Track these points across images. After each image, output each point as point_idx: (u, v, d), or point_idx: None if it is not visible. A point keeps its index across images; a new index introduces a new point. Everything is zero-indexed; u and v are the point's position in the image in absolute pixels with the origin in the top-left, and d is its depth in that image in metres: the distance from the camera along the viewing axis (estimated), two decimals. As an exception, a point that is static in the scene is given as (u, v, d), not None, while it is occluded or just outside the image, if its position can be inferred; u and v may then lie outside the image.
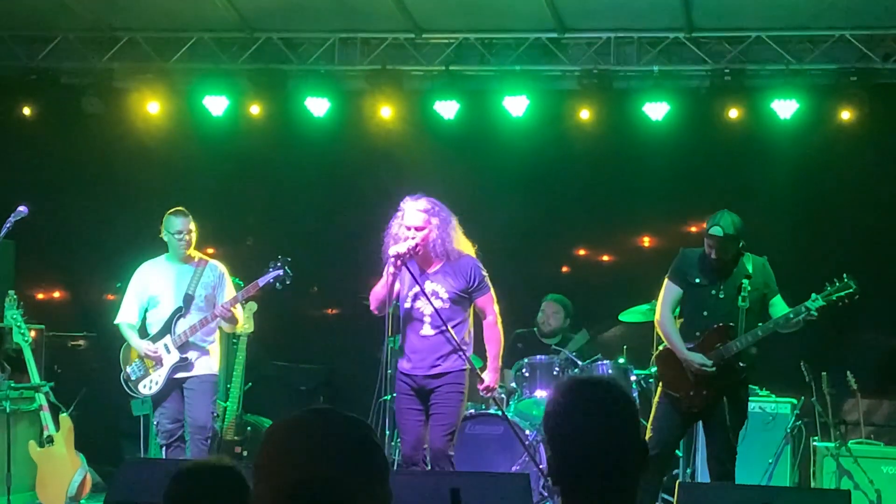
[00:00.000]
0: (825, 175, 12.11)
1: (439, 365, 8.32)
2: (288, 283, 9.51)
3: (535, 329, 11.58)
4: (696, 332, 8.56)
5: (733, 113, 11.73)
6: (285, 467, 2.18)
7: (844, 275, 8.38)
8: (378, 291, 8.37)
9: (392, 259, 8.12)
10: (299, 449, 2.20)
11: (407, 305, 8.40)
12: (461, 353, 8.28)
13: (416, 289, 8.28)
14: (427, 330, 8.33)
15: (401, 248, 8.14)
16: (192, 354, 9.48)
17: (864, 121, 11.47)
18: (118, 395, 9.94)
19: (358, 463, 2.20)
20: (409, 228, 8.24)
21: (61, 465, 10.32)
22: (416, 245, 8.18)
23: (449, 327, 8.23)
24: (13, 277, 11.33)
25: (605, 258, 13.88)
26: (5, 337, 10.77)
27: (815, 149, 11.97)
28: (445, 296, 8.29)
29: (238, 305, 9.58)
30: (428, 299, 8.23)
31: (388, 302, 8.32)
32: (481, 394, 8.73)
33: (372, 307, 8.46)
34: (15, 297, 10.50)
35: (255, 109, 12.40)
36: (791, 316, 8.33)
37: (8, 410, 10.29)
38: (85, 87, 12.59)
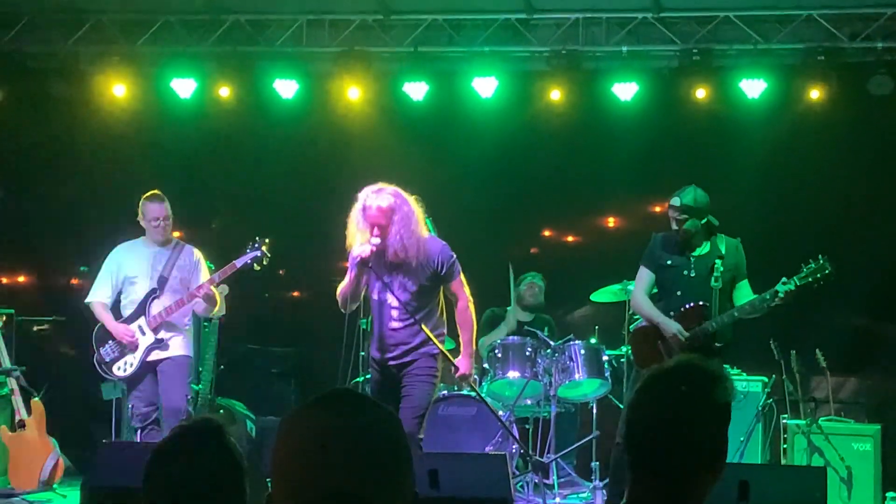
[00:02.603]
0: (794, 154, 12.14)
1: (409, 354, 8.22)
2: (266, 263, 9.48)
3: (509, 308, 11.61)
4: (670, 312, 8.61)
5: (701, 93, 11.76)
6: (308, 472, 2.09)
7: (820, 256, 8.42)
8: (344, 290, 8.16)
9: (356, 261, 7.94)
10: (323, 452, 2.09)
11: (375, 297, 8.25)
12: (431, 342, 8.17)
13: (385, 280, 8.10)
14: (395, 323, 8.20)
15: (364, 250, 7.92)
16: (166, 335, 9.45)
17: (832, 100, 11.52)
18: (88, 379, 9.91)
19: (386, 468, 2.12)
20: (371, 226, 7.99)
21: (33, 449, 10.31)
22: (376, 246, 7.93)
23: (417, 319, 8.10)
24: (-20, 263, 11.27)
25: (573, 239, 13.90)
26: (-25, 323, 10.73)
27: (784, 128, 12.01)
28: (413, 287, 8.14)
29: (214, 287, 9.54)
30: (394, 294, 8.08)
31: (353, 300, 8.14)
32: (456, 380, 8.69)
33: (339, 304, 8.24)
34: (-17, 281, 10.47)
35: (224, 92, 12.33)
36: (767, 297, 8.37)
37: (-21, 395, 10.28)
38: (51, 71, 12.50)
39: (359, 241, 8.01)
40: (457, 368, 8.28)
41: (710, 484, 2.96)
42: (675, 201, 8.52)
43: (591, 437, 10.41)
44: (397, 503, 2.13)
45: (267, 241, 9.46)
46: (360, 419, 2.15)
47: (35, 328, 12.61)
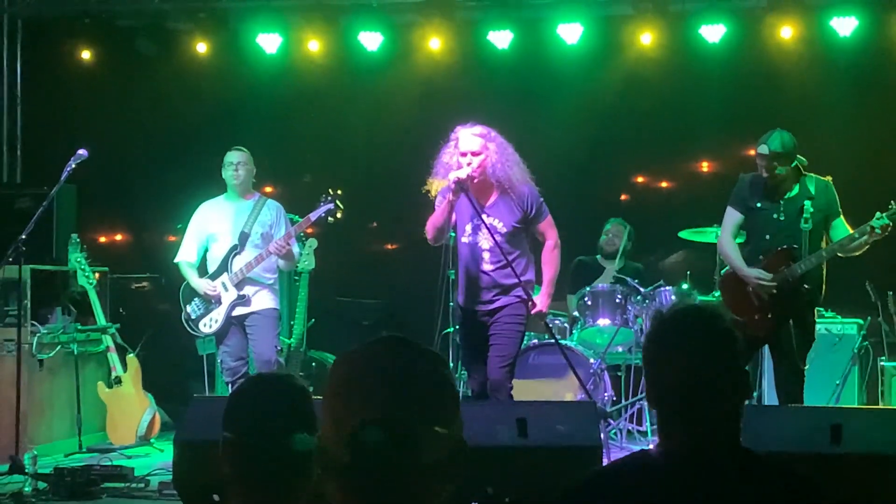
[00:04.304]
0: (887, 92, 11.93)
1: (499, 299, 8.18)
2: (339, 216, 9.48)
3: (598, 255, 11.56)
4: (759, 257, 8.49)
5: (789, 32, 11.60)
6: (350, 405, 2.14)
7: (910, 191, 8.28)
8: (436, 219, 8.08)
9: (452, 184, 7.85)
10: (364, 385, 2.15)
11: (465, 240, 8.20)
12: (521, 286, 8.14)
13: (475, 221, 8.09)
14: (487, 265, 8.15)
15: (461, 172, 7.85)
16: (250, 290, 9.50)
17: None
18: (183, 335, 10.02)
19: (426, 401, 2.15)
20: (464, 154, 7.96)
21: (130, 405, 10.47)
22: (474, 170, 7.93)
23: (509, 260, 8.04)
24: (75, 221, 11.40)
25: (664, 184, 13.77)
26: (70, 280, 10.88)
27: (877, 65, 11.80)
28: (504, 229, 8.08)
29: (294, 242, 9.58)
30: (489, 231, 8.00)
31: (444, 231, 8.11)
32: (534, 319, 8.59)
33: (429, 237, 8.19)
34: (78, 240, 10.60)
35: (310, 46, 12.38)
36: (856, 236, 8.23)
37: (76, 353, 10.44)
38: (139, 29, 12.61)
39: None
40: (533, 304, 8.18)
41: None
42: (763, 149, 8.37)
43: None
44: (440, 438, 2.15)
45: (339, 192, 9.45)
46: (407, 354, 2.21)
47: (133, 286, 12.77)
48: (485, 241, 8.13)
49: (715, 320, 3.00)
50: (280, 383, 3.37)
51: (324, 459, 2.18)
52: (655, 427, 10.36)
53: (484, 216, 8.05)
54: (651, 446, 3.11)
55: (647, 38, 11.86)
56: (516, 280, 8.09)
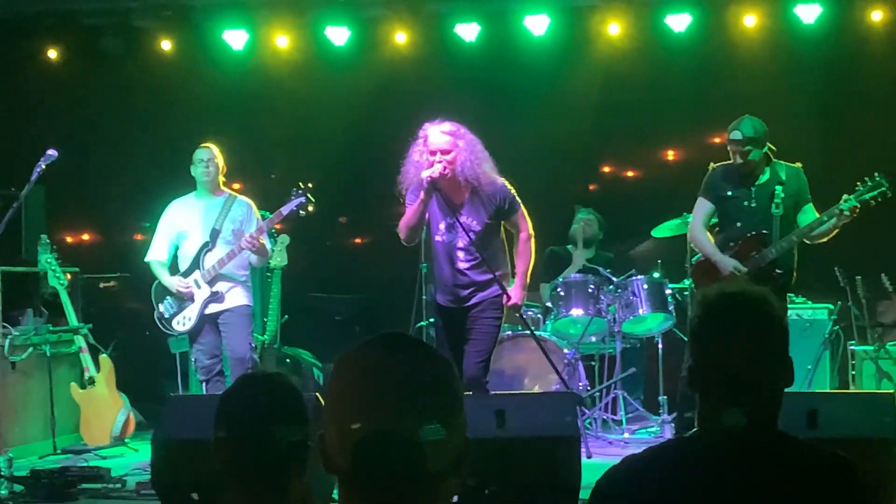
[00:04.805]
0: (850, 78, 12.01)
1: (476, 295, 8.22)
2: (311, 209, 9.50)
3: (569, 245, 11.59)
4: (730, 243, 8.55)
5: (753, 20, 11.67)
6: (355, 411, 2.10)
7: (876, 174, 8.35)
8: (409, 219, 8.10)
9: (425, 183, 7.86)
10: (369, 391, 2.11)
11: (439, 238, 8.22)
12: (497, 281, 8.16)
13: (448, 220, 8.11)
14: (462, 263, 8.18)
15: (433, 171, 7.86)
16: (222, 287, 9.49)
17: (894, 21, 11.37)
18: (156, 334, 10.00)
19: (432, 408, 2.11)
20: (433, 153, 7.95)
21: (104, 405, 10.43)
22: (445, 168, 7.92)
23: (484, 257, 8.07)
24: (45, 222, 11.36)
25: (632, 173, 13.81)
26: (41, 282, 10.84)
27: (841, 52, 11.87)
28: (478, 227, 8.11)
29: (265, 237, 9.58)
30: (464, 230, 8.02)
31: (417, 230, 8.14)
32: (508, 311, 8.63)
33: (402, 237, 8.21)
34: (48, 241, 10.56)
35: (277, 42, 12.39)
36: (825, 219, 8.30)
37: (48, 354, 10.39)
38: (105, 28, 12.56)
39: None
40: (508, 297, 8.20)
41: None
42: (736, 134, 8.42)
43: (628, 372, 10.39)
44: (446, 445, 2.12)
45: (310, 185, 9.46)
46: (412, 359, 2.17)
47: (101, 285, 12.73)
48: (459, 240, 8.15)
49: (767, 306, 3.01)
50: (272, 382, 3.38)
51: (327, 464, 2.17)
52: (631, 416, 10.47)
53: (457, 215, 8.07)
54: (667, 435, 3.10)
55: (614, 28, 11.91)
56: (492, 276, 8.12)
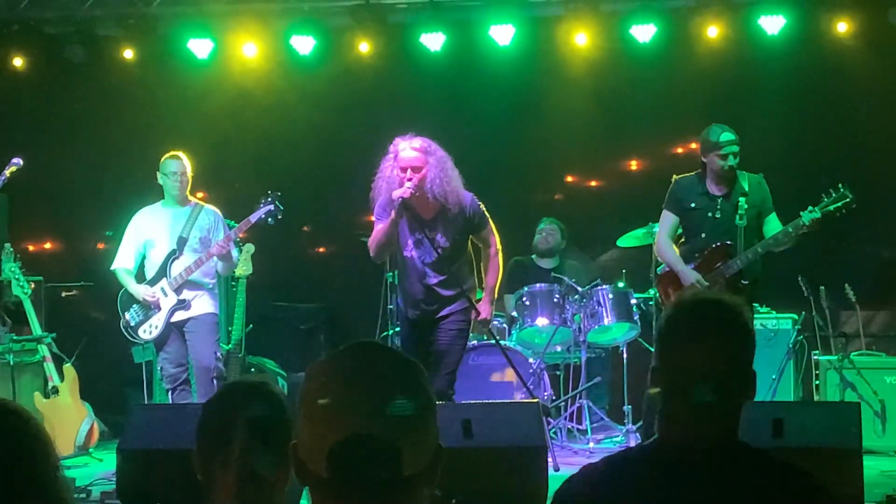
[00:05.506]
0: (815, 89, 12.07)
1: (443, 309, 8.26)
2: (280, 217, 9.52)
3: (533, 256, 11.60)
4: (695, 254, 8.59)
5: (716, 31, 11.71)
6: (330, 420, 2.12)
7: (840, 185, 8.42)
8: (379, 238, 8.11)
9: (396, 203, 7.87)
10: (344, 400, 2.13)
11: (407, 254, 8.23)
12: (465, 296, 8.18)
13: (417, 236, 8.13)
14: (430, 279, 8.21)
15: (405, 191, 7.85)
16: (189, 294, 9.47)
17: (859, 32, 11.44)
18: (119, 343, 9.96)
19: (403, 416, 2.13)
20: (404, 170, 7.96)
21: (68, 415, 10.36)
22: (415, 187, 7.90)
23: (452, 272, 8.12)
24: (7, 230, 11.28)
25: (596, 183, 13.82)
26: (4, 290, 10.76)
27: (805, 63, 11.94)
28: (446, 243, 8.14)
29: (233, 245, 9.56)
30: (432, 247, 8.05)
31: (387, 248, 8.17)
32: (478, 326, 8.70)
33: (372, 254, 8.25)
34: (11, 250, 10.49)
35: (241, 51, 12.35)
36: (790, 230, 8.36)
37: (11, 363, 10.31)
38: (68, 36, 12.49)
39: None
40: (478, 313, 8.26)
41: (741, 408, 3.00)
42: (728, 136, 8.44)
43: (593, 381, 10.44)
44: (420, 450, 2.15)
45: (279, 194, 9.47)
46: (384, 363, 2.19)
47: (63, 294, 12.66)
48: (427, 256, 8.17)
49: (735, 316, 3.01)
50: (255, 391, 3.35)
51: (302, 472, 2.18)
52: (596, 426, 10.49)
53: (427, 231, 8.08)
54: (632, 443, 3.11)
55: (581, 38, 11.91)
56: (459, 290, 8.15)
